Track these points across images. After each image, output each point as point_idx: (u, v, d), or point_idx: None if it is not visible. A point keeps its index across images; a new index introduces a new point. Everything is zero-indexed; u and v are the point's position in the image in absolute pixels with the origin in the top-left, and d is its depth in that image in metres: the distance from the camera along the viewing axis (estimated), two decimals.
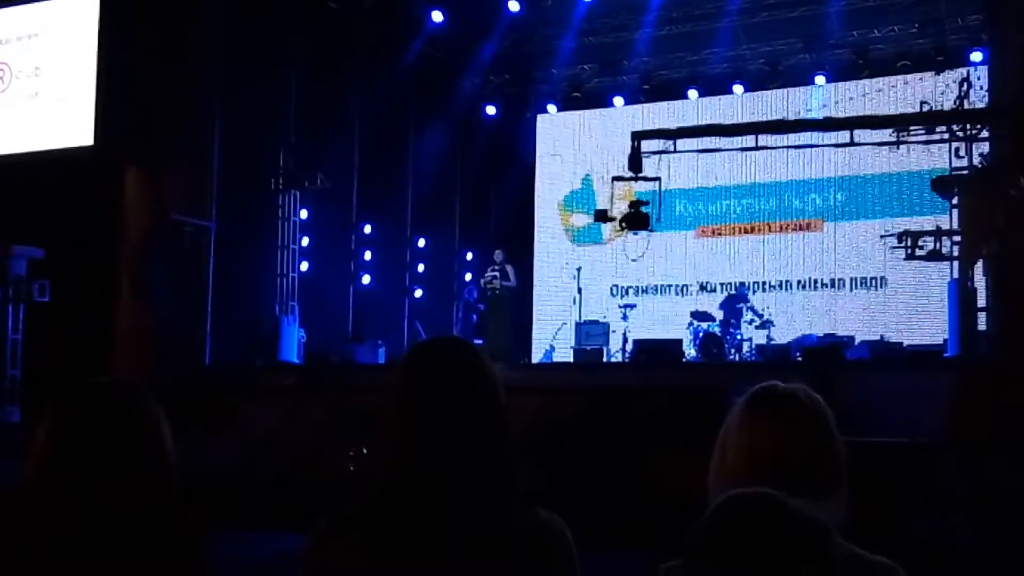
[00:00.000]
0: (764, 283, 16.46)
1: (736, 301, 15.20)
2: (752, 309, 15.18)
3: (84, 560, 1.90)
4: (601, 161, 18.32)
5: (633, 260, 15.44)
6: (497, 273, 15.28)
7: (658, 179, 13.45)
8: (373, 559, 1.92)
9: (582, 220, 18.42)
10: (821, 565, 1.47)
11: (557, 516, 2.02)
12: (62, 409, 2.03)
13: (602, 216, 13.80)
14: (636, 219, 13.01)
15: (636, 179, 12.97)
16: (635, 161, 12.76)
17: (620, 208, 17.96)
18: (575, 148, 18.63)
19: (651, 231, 13.49)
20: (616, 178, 13.99)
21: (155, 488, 2.00)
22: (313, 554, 1.97)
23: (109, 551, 1.91)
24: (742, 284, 15.93)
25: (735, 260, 17.06)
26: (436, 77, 17.17)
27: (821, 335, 14.76)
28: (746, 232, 17.17)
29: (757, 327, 15.01)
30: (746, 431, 2.01)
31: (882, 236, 15.50)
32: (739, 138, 13.82)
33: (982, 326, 11.78)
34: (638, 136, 13.13)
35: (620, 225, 13.36)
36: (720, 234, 17.41)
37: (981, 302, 11.85)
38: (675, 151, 13.46)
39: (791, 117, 16.97)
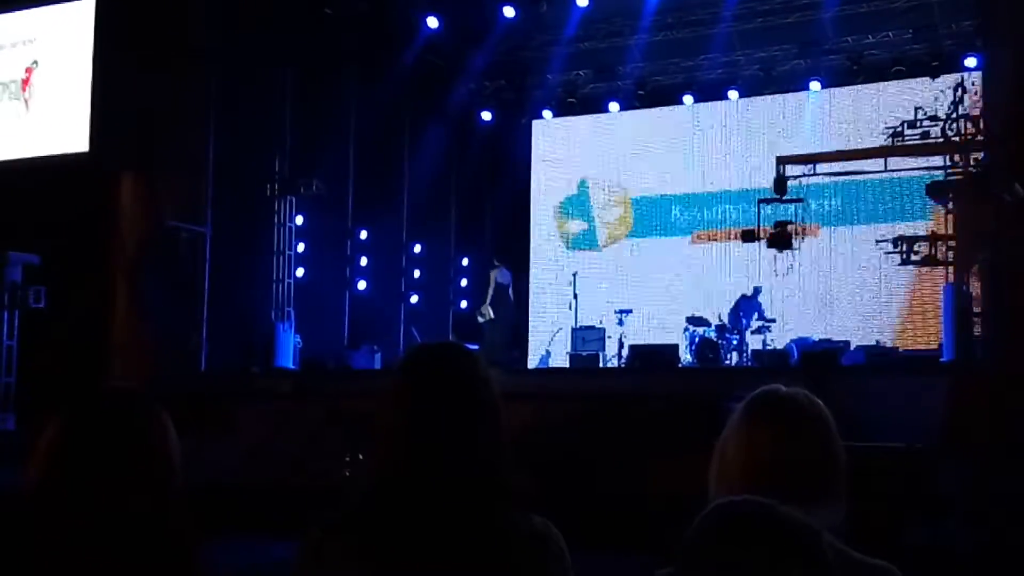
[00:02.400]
0: (760, 288, 16.40)
1: (751, 305, 15.16)
2: (760, 312, 15.17)
3: (80, 565, 1.90)
4: (597, 167, 18.37)
5: (781, 275, 15.53)
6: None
7: (801, 200, 13.68)
8: (367, 564, 1.91)
9: (577, 226, 18.48)
10: (811, 571, 1.47)
11: (552, 524, 2.01)
12: (69, 415, 2.03)
13: (750, 236, 13.95)
14: (780, 239, 13.24)
15: (780, 200, 13.30)
16: (780, 184, 13.10)
17: (616, 213, 18.16)
18: (570, 154, 18.66)
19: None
20: (762, 200, 14.18)
21: (158, 496, 1.99)
22: (306, 560, 1.97)
23: (105, 557, 1.90)
24: (757, 288, 15.80)
25: (731, 265, 17.07)
26: (431, 83, 17.18)
27: (817, 339, 14.76)
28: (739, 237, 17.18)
29: (753, 332, 15.02)
30: (745, 435, 2.01)
31: (877, 241, 15.53)
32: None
33: (978, 331, 11.79)
34: (782, 161, 13.38)
35: (767, 245, 13.58)
36: (715, 239, 17.44)
37: (976, 307, 11.86)
38: (815, 174, 13.73)
39: (786, 122, 17.04)
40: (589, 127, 18.46)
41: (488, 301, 15.57)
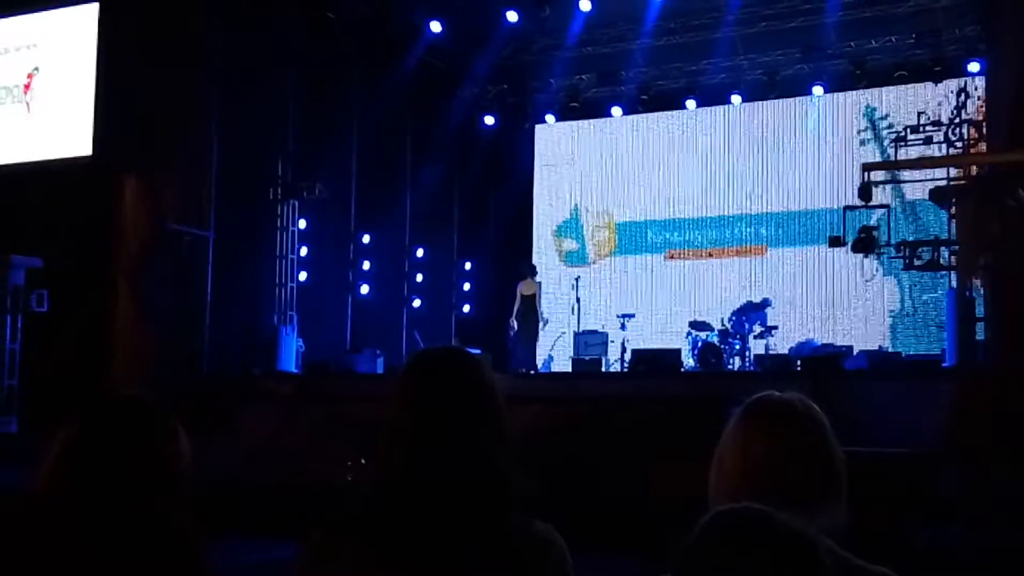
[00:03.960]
0: (769, 300, 16.33)
1: (756, 315, 15.15)
2: (763, 322, 15.15)
3: (87, 566, 1.90)
4: (597, 176, 18.43)
5: (867, 281, 15.52)
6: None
7: (887, 207, 13.74)
8: (368, 568, 1.91)
9: (572, 245, 18.63)
10: None
11: (553, 528, 2.01)
12: (82, 421, 2.04)
13: (836, 242, 13.96)
14: (865, 243, 13.27)
15: (866, 206, 13.39)
16: (866, 191, 13.20)
17: (600, 237, 18.29)
18: (572, 159, 18.70)
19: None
20: (848, 207, 14.17)
21: (167, 500, 2.00)
22: (307, 562, 1.97)
23: (112, 559, 1.91)
24: (766, 299, 15.76)
25: (738, 276, 17.10)
26: (434, 87, 17.20)
27: (819, 344, 14.76)
28: (747, 253, 17.25)
29: (756, 337, 15.01)
30: (741, 441, 2.01)
31: (880, 246, 15.51)
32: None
33: (980, 335, 11.78)
34: (868, 167, 13.43)
35: (851, 249, 13.59)
36: (726, 255, 17.48)
37: (979, 312, 11.86)
38: (901, 180, 13.71)
39: (789, 128, 17.06)
40: (592, 131, 18.48)
41: (514, 314, 15.61)
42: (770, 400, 2.06)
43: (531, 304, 15.49)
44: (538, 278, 15.91)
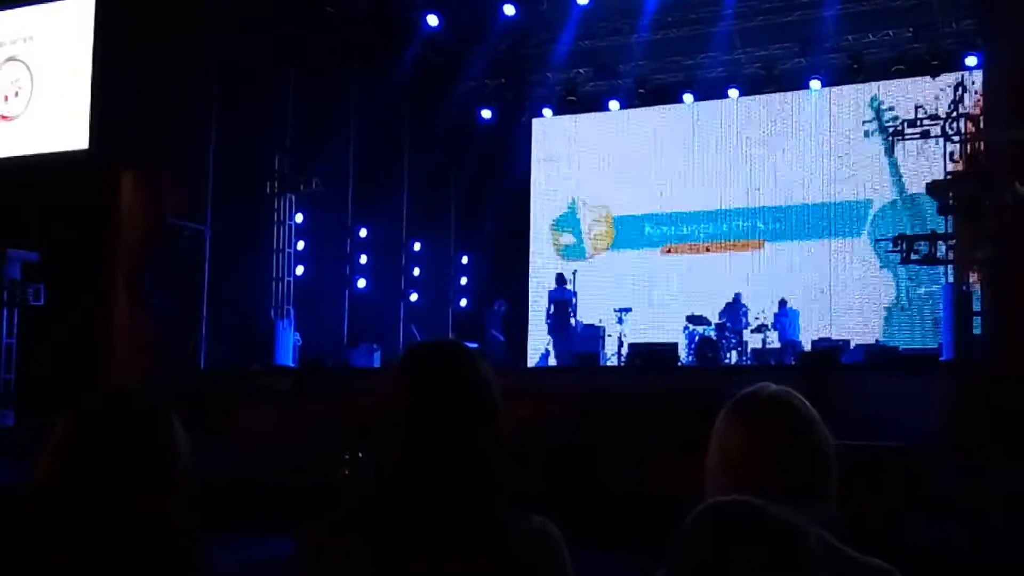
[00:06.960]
0: (740, 294, 16.34)
1: (737, 311, 15.19)
2: (745, 315, 15.19)
3: (83, 563, 1.90)
4: (594, 169, 18.44)
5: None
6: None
7: None
8: (366, 563, 1.91)
9: (569, 239, 18.62)
10: (796, 571, 1.47)
11: (551, 522, 2.01)
12: (79, 414, 2.03)
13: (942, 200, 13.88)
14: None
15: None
16: None
17: (597, 231, 18.28)
18: (569, 152, 18.69)
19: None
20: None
21: (166, 496, 2.00)
22: (306, 559, 1.97)
23: (109, 555, 1.91)
24: (737, 294, 15.76)
25: (737, 271, 17.12)
26: (432, 81, 17.18)
27: (816, 339, 14.78)
28: (745, 248, 17.27)
29: (753, 331, 15.03)
30: (727, 434, 2.01)
31: (877, 240, 15.53)
32: None
33: (977, 330, 11.79)
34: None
35: (964, 216, 13.45)
36: (723, 249, 17.50)
37: (976, 306, 11.87)
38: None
39: (786, 122, 17.06)
40: (589, 125, 18.48)
41: (546, 319, 15.87)
42: (755, 394, 2.05)
43: (564, 311, 15.83)
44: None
